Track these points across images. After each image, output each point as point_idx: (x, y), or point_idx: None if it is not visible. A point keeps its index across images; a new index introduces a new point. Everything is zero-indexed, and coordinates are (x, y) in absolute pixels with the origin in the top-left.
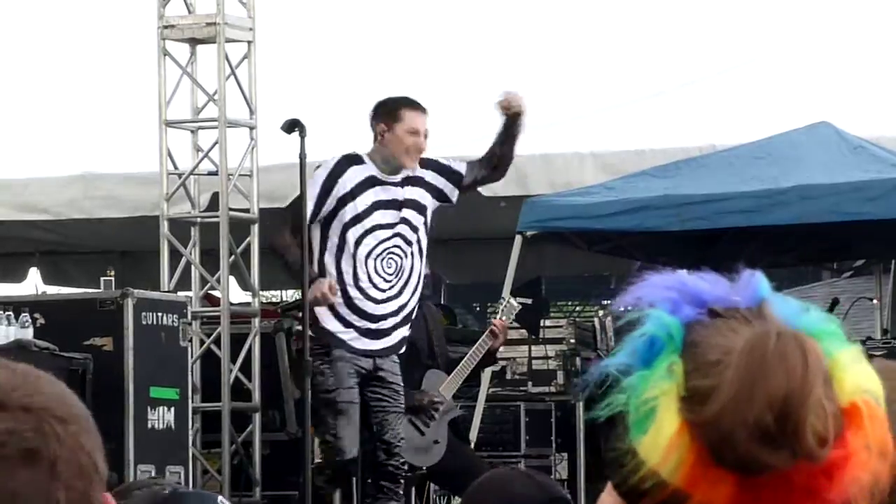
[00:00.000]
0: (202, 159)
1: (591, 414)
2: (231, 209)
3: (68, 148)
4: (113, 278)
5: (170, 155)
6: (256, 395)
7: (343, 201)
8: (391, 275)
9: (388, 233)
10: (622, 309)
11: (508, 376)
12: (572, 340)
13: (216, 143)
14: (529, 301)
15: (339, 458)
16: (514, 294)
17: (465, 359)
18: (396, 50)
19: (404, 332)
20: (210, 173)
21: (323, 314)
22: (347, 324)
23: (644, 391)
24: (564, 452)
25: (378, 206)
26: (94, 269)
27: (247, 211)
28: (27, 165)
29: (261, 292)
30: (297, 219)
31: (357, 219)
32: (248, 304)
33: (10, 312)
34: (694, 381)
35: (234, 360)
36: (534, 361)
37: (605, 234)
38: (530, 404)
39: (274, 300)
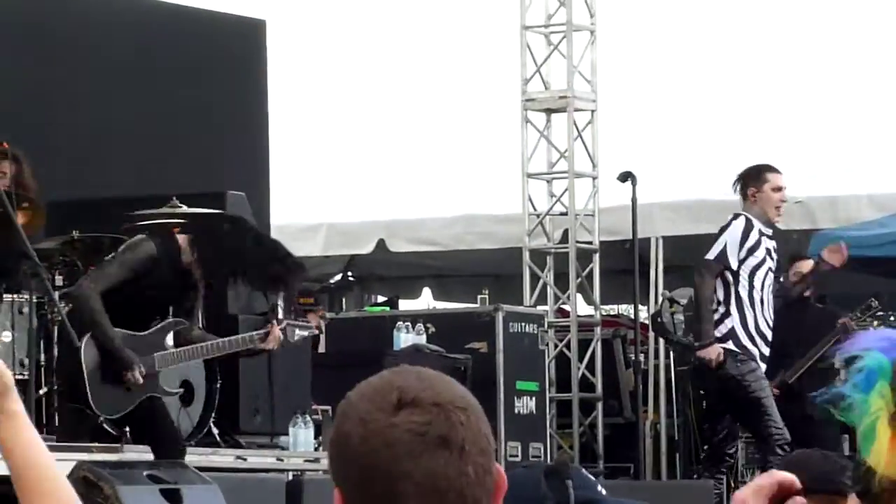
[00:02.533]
0: (555, 203)
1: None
2: (578, 242)
3: (452, 192)
4: (487, 296)
5: (530, 200)
6: (599, 388)
7: (751, 251)
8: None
9: (771, 275)
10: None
11: None
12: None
13: (566, 190)
14: None
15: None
16: None
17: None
18: (715, 103)
19: None
20: (561, 214)
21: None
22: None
23: (866, 412)
24: None
25: (769, 253)
26: (473, 289)
27: (590, 243)
28: (420, 206)
29: (601, 306)
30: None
31: (759, 265)
32: (592, 316)
33: (409, 323)
34: None
35: (580, 360)
36: None
37: (881, 261)
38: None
39: (611, 313)
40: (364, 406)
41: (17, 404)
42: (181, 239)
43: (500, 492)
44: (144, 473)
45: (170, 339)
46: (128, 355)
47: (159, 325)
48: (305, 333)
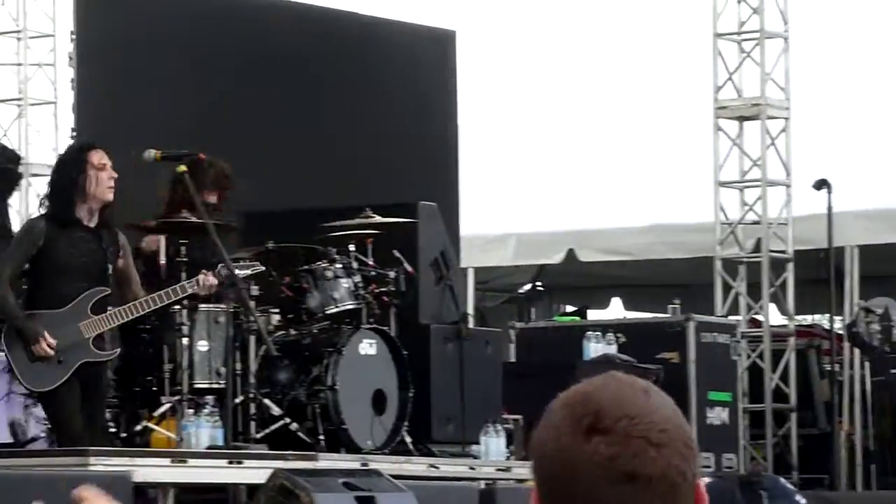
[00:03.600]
0: (748, 212)
1: None
2: (771, 251)
3: (642, 201)
4: (679, 306)
5: (722, 208)
6: (793, 398)
7: None
8: None
9: None
10: None
11: None
12: None
13: (759, 198)
14: None
15: None
16: None
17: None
18: None
19: None
20: (754, 222)
21: None
22: None
23: None
24: None
25: None
26: (663, 299)
27: (783, 252)
28: (610, 215)
29: (795, 317)
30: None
31: None
32: (785, 326)
33: (599, 332)
34: None
35: (773, 370)
36: None
37: None
38: None
39: (805, 323)
40: (558, 420)
41: None
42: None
43: None
44: (340, 482)
45: (89, 307)
46: (31, 329)
47: (81, 296)
48: (248, 272)
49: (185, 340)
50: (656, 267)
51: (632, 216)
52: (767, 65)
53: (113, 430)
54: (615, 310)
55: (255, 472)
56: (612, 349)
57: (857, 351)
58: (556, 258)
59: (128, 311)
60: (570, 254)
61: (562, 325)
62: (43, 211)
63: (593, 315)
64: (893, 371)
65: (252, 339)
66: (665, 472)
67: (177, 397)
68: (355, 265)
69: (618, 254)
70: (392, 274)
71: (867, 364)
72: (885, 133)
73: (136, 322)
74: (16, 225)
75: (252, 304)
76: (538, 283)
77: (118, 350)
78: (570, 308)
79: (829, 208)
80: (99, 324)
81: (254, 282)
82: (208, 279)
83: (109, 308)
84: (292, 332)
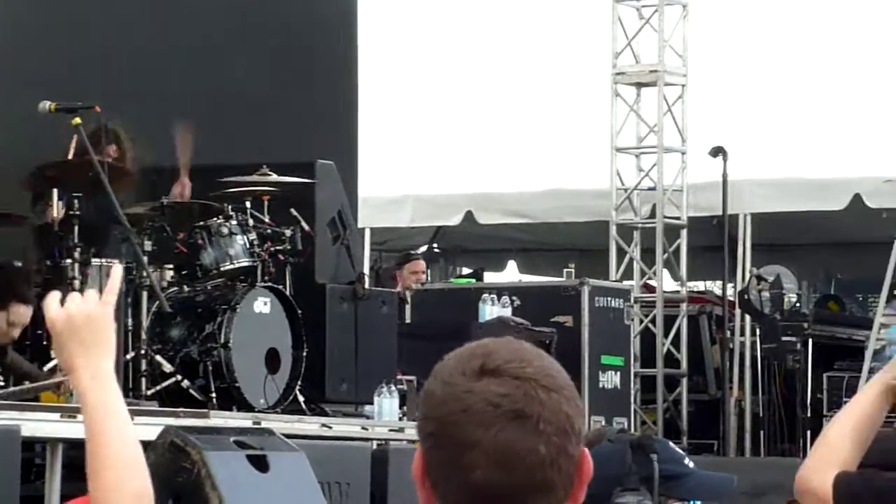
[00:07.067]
0: (643, 178)
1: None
2: (665, 217)
3: (540, 166)
4: (573, 270)
5: (618, 174)
6: (684, 364)
7: None
8: None
9: None
10: None
11: (887, 353)
12: None
13: (654, 165)
14: None
15: None
16: (892, 287)
17: None
18: (808, 80)
19: None
20: (649, 189)
21: None
22: None
23: None
24: None
25: None
26: (559, 263)
27: (677, 219)
28: (508, 179)
29: (687, 283)
30: None
31: None
32: (678, 292)
33: (494, 295)
34: None
35: (666, 336)
36: None
37: None
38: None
39: (697, 289)
40: (450, 367)
41: (111, 365)
42: None
43: (583, 478)
44: (231, 440)
45: None
46: None
47: None
48: None
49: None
50: (552, 231)
51: (530, 180)
52: (666, 32)
53: (1, 384)
54: (511, 273)
55: (145, 429)
56: (507, 312)
57: (748, 318)
58: (454, 220)
59: None
60: (468, 216)
61: (458, 288)
62: None
63: (489, 278)
64: (784, 338)
65: (145, 294)
66: (555, 414)
67: None
68: (251, 222)
69: (515, 216)
70: (288, 232)
71: (758, 331)
72: (781, 102)
73: None
74: None
75: (145, 259)
76: (435, 245)
77: None
78: (466, 270)
79: (725, 176)
80: None
81: (148, 237)
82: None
83: None
84: (186, 288)
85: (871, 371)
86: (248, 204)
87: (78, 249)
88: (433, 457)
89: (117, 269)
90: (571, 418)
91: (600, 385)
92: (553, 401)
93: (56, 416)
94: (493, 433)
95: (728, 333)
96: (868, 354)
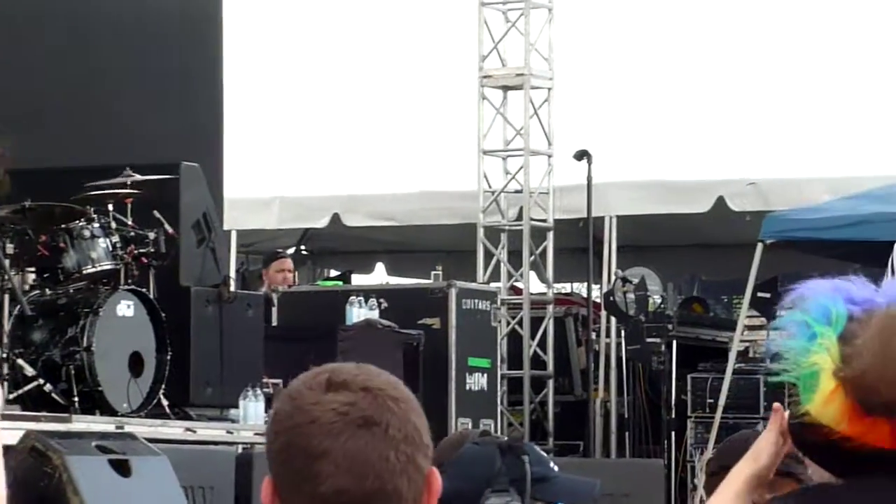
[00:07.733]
0: (510, 180)
1: (771, 380)
2: (532, 219)
3: (407, 168)
4: (441, 272)
5: (485, 177)
6: (550, 366)
7: None
8: None
9: None
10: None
11: (751, 354)
12: None
13: (521, 167)
14: (768, 295)
15: None
16: (756, 290)
17: None
18: (673, 84)
19: None
20: (516, 191)
21: None
22: None
23: (807, 363)
24: None
25: None
26: (427, 265)
27: (544, 221)
28: (375, 181)
29: (554, 285)
30: None
31: None
32: (545, 294)
33: (361, 297)
34: (844, 350)
35: (532, 338)
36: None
37: (831, 244)
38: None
39: (564, 291)
40: (296, 385)
41: None
42: None
43: (433, 493)
44: (93, 444)
45: None
46: None
47: None
48: None
49: None
50: (420, 233)
51: (397, 182)
52: (532, 35)
53: None
54: (379, 275)
55: (6, 434)
56: (375, 314)
57: (613, 319)
58: (322, 222)
59: None
60: (336, 218)
61: (325, 290)
62: None
63: (357, 280)
64: (648, 340)
65: (6, 297)
66: (403, 423)
67: None
68: (114, 225)
69: (383, 219)
70: (152, 235)
71: (623, 332)
72: (646, 105)
73: None
74: None
75: (6, 262)
76: (303, 248)
77: None
78: (334, 273)
79: (589, 178)
80: None
81: (10, 240)
82: None
83: None
84: (48, 291)
85: (735, 373)
86: (110, 206)
87: None
88: (282, 474)
89: None
90: (419, 429)
91: (467, 387)
92: (402, 410)
93: None
94: (342, 441)
95: (593, 335)
96: (732, 356)
